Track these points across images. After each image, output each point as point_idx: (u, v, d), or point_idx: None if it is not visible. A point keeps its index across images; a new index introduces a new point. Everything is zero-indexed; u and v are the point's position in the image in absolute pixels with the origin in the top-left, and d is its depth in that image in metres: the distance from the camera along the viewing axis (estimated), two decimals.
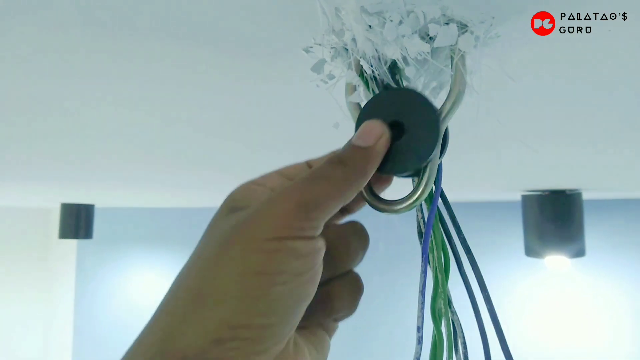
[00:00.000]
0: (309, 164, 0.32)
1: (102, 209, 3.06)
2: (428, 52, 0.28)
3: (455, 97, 0.29)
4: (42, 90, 0.54)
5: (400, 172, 0.29)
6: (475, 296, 0.30)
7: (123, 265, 3.44)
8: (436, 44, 0.28)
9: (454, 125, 0.58)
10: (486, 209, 2.34)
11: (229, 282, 0.25)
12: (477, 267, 0.29)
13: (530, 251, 1.80)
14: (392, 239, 2.46)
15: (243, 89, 0.50)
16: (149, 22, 0.34)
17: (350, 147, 0.28)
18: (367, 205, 0.31)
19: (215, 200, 2.60)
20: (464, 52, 0.28)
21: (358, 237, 0.31)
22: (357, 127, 0.30)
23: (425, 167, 0.29)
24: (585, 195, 1.84)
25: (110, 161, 1.11)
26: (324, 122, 0.57)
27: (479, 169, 1.13)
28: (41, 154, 1.04)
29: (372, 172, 0.28)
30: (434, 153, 0.28)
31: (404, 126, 0.29)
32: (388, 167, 0.29)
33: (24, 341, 3.60)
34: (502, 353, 0.27)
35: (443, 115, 0.29)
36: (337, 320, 0.31)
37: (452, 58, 0.29)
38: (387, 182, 0.31)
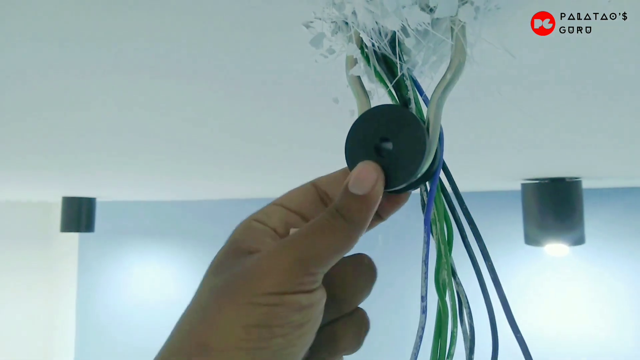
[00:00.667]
0: (315, 186, 0.32)
1: (103, 202, 3.06)
2: (428, 23, 0.28)
3: (455, 68, 0.29)
4: (45, 84, 0.54)
5: (394, 187, 0.29)
6: (480, 267, 0.30)
7: (125, 257, 3.45)
8: (436, 14, 0.28)
9: (453, 107, 0.58)
10: (486, 198, 2.34)
11: (233, 334, 0.26)
12: (481, 238, 0.29)
13: (529, 239, 1.80)
14: (392, 232, 2.47)
15: (246, 69, 0.50)
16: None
17: (347, 195, 0.28)
18: None
19: (217, 193, 2.60)
20: (464, 23, 0.28)
21: (364, 273, 0.31)
22: (347, 157, 0.31)
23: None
24: (585, 184, 1.84)
25: (111, 154, 1.11)
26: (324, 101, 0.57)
27: (478, 155, 1.13)
28: (43, 147, 1.04)
29: (370, 218, 0.28)
30: (422, 166, 0.28)
31: (392, 142, 0.29)
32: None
33: (27, 334, 3.61)
34: (507, 321, 0.27)
35: (443, 86, 0.29)
36: (342, 356, 0.32)
37: (452, 29, 0.29)
38: (398, 204, 0.31)
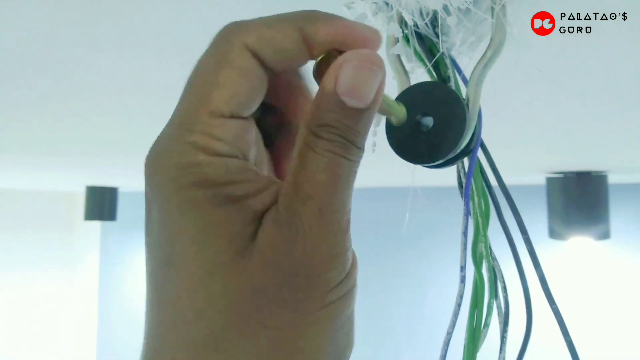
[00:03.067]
0: (249, 52, 0.21)
1: (125, 192, 3.11)
2: (470, 2, 0.29)
3: (495, 46, 0.29)
4: (71, 71, 0.55)
5: (434, 161, 0.29)
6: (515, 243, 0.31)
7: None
8: None
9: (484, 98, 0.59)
10: (510, 192, 2.33)
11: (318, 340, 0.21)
12: (518, 212, 0.30)
13: (554, 233, 1.79)
14: (416, 221, 2.47)
15: None
16: None
17: (337, 108, 0.21)
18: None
19: None
20: (505, 2, 0.29)
21: None
22: (387, 133, 0.29)
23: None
24: (611, 179, 1.82)
25: (134, 144, 1.13)
26: None
27: (501, 143, 1.12)
28: (68, 135, 1.06)
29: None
30: (462, 142, 0.29)
31: (433, 118, 0.29)
32: (421, 158, 0.29)
33: (49, 321, 3.69)
34: (543, 292, 0.28)
35: (484, 63, 0.29)
36: None
37: (492, 9, 0.30)
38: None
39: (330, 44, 0.22)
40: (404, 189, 2.25)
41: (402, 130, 0.30)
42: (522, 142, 1.12)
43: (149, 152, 0.22)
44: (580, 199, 1.69)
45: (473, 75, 0.30)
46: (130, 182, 2.56)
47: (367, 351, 2.69)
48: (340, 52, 0.22)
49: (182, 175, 0.20)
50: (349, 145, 0.21)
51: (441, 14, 0.30)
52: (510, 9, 0.30)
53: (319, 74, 0.22)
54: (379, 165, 1.29)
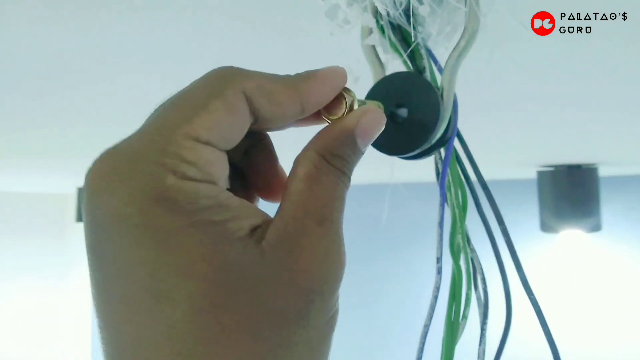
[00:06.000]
0: (243, 96, 0.22)
1: None
2: None
3: (469, 35, 0.29)
4: (59, 66, 0.55)
5: (409, 152, 0.29)
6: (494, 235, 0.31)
7: None
8: None
9: (464, 86, 0.58)
10: (502, 186, 2.34)
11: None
12: (495, 202, 0.29)
13: (545, 226, 1.80)
14: (401, 217, 2.47)
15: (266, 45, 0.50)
16: None
17: (349, 145, 0.24)
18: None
19: None
20: None
21: None
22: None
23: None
24: (602, 172, 1.83)
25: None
26: None
27: (491, 136, 1.12)
28: (57, 136, 1.05)
29: None
30: (437, 132, 0.28)
31: (407, 109, 0.29)
32: (396, 149, 0.29)
33: (41, 325, 3.67)
34: (520, 282, 0.28)
35: (457, 53, 0.29)
36: None
37: None
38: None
39: (321, 102, 0.24)
40: (384, 185, 2.26)
41: None
42: (513, 136, 1.12)
43: (103, 162, 0.20)
44: (571, 192, 1.70)
45: (447, 65, 0.29)
46: None
47: (345, 344, 2.69)
48: (347, 90, 0.25)
49: (151, 201, 0.19)
50: (348, 174, 0.24)
51: (414, 4, 0.30)
52: None
53: (326, 107, 0.25)
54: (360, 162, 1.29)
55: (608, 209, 2.03)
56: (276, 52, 0.50)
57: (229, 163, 0.23)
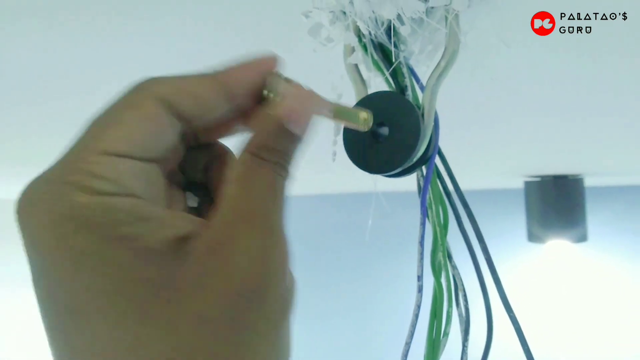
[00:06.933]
0: (161, 103, 0.22)
1: None
2: (423, 12, 0.29)
3: (449, 55, 0.29)
4: (46, 71, 0.55)
5: (391, 170, 0.30)
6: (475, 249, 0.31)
7: None
8: (431, 3, 0.29)
9: (459, 104, 0.59)
10: (489, 196, 2.35)
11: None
12: (475, 220, 0.30)
13: (532, 236, 1.81)
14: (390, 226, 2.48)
15: None
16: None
17: (280, 134, 0.23)
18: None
19: None
20: (458, 11, 0.29)
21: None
22: (345, 142, 0.30)
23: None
24: (588, 182, 1.85)
25: None
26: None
27: (478, 148, 1.13)
28: (41, 142, 1.05)
29: None
30: (417, 151, 0.29)
31: (388, 127, 0.30)
32: (377, 168, 0.29)
33: (27, 331, 3.63)
34: (500, 300, 0.28)
35: (438, 72, 0.29)
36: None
37: (446, 18, 0.30)
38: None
39: (245, 87, 0.23)
40: (370, 195, 2.27)
41: (359, 141, 0.30)
42: (500, 148, 1.13)
43: (21, 196, 0.20)
44: (558, 202, 1.71)
45: (428, 85, 0.30)
46: None
47: (330, 354, 2.69)
48: (286, 79, 0.24)
49: (62, 221, 0.19)
50: (285, 165, 0.23)
51: (395, 24, 0.30)
52: (463, 18, 0.30)
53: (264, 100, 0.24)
54: (343, 172, 1.29)
55: (594, 219, 2.05)
56: None
57: (192, 181, 0.23)
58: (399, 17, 0.30)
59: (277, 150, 0.22)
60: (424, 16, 0.29)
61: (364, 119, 0.28)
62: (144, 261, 0.19)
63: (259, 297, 0.20)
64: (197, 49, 0.47)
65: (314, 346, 2.70)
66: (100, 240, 0.19)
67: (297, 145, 0.23)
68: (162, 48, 0.46)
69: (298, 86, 0.24)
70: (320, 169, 1.32)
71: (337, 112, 0.26)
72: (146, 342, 0.19)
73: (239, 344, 0.20)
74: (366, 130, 0.27)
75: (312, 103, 0.24)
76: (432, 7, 0.30)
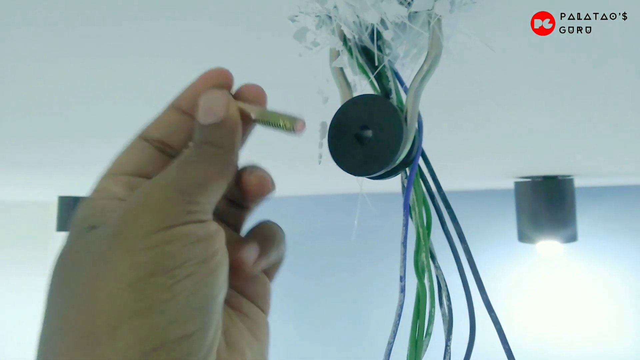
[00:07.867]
0: (145, 140, 0.28)
1: None
2: (406, 16, 0.29)
3: (432, 59, 0.30)
4: (41, 76, 0.55)
5: (374, 173, 0.30)
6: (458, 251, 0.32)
7: None
8: (413, 8, 0.29)
9: (448, 107, 0.59)
10: (480, 197, 2.36)
11: (119, 302, 0.20)
12: (457, 221, 0.30)
13: (523, 237, 1.82)
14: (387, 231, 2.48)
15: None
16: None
17: (203, 128, 0.26)
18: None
19: None
20: (440, 16, 0.30)
21: (268, 245, 0.29)
22: (330, 145, 0.31)
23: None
24: (578, 182, 1.86)
25: (104, 152, 1.12)
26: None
27: (472, 154, 1.14)
28: (39, 145, 1.05)
29: (238, 140, 0.27)
30: (400, 153, 0.29)
31: (372, 130, 0.30)
32: (361, 170, 0.30)
33: (23, 335, 3.61)
34: (482, 300, 0.29)
35: (421, 76, 0.30)
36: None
37: (429, 22, 0.30)
38: (262, 193, 0.29)
39: (194, 102, 0.28)
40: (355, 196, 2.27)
41: (344, 144, 0.31)
42: (490, 149, 1.13)
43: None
44: (548, 202, 1.72)
45: (411, 89, 0.30)
46: None
47: (317, 350, 2.69)
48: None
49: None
50: (218, 151, 0.26)
51: (379, 28, 0.30)
52: (446, 22, 0.31)
53: None
54: (330, 173, 1.29)
55: (584, 219, 2.06)
56: (249, 71, 0.51)
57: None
58: (382, 21, 0.30)
59: (207, 138, 0.26)
60: (406, 21, 0.30)
61: (284, 125, 0.27)
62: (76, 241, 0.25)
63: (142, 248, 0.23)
64: (186, 54, 0.47)
65: (300, 345, 2.70)
66: (82, 229, 0.26)
67: (223, 131, 0.26)
68: (149, 56, 0.47)
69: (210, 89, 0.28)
70: (308, 171, 1.32)
71: (260, 115, 0.27)
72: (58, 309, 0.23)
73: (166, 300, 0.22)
74: (296, 135, 0.27)
75: (218, 99, 0.27)
76: (415, 12, 0.30)
